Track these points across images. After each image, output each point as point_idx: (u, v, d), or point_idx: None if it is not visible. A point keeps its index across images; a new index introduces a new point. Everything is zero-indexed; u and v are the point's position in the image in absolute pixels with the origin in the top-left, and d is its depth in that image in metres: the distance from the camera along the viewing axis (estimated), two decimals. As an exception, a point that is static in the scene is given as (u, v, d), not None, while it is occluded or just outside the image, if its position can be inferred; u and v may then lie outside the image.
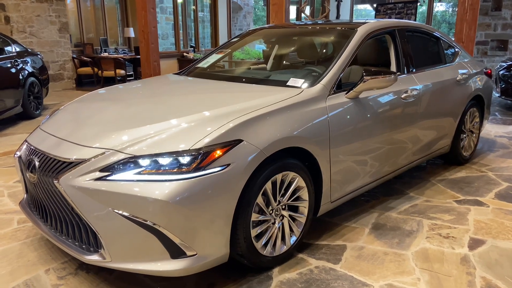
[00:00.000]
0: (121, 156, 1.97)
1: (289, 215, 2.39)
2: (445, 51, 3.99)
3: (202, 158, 1.94)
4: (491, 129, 5.65)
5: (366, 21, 3.22)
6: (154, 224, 1.86)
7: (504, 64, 7.16)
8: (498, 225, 2.89)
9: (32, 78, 6.44)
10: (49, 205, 2.19)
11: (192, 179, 1.89)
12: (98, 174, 1.94)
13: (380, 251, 2.54)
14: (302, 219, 2.45)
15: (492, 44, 9.84)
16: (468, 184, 3.66)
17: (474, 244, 2.63)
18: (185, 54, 11.53)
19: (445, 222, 2.92)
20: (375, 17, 9.88)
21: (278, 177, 2.24)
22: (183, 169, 1.91)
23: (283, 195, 2.32)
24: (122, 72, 9.50)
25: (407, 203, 3.24)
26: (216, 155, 1.96)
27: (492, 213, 3.07)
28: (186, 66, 3.70)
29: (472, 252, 2.53)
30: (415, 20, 8.60)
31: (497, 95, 7.05)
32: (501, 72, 6.99)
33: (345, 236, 2.72)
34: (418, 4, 9.03)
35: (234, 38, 3.85)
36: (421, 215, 3.03)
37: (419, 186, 3.60)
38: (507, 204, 3.24)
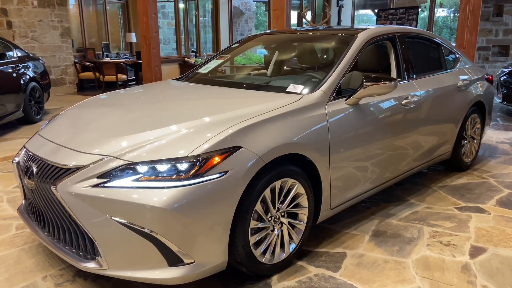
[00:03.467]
0: (119, 163, 1.96)
1: (288, 222, 2.37)
2: (446, 57, 3.98)
3: (200, 164, 1.92)
4: (492, 135, 5.62)
5: (367, 27, 3.21)
6: (151, 231, 1.85)
7: (505, 70, 7.14)
8: (500, 232, 2.87)
9: (33, 83, 6.45)
10: (47, 212, 2.17)
11: (190, 186, 1.88)
12: (96, 181, 1.93)
13: (380, 259, 2.51)
14: (302, 226, 2.43)
15: (494, 49, 9.83)
16: (469, 190, 3.64)
17: (475, 252, 2.61)
18: (186, 59, 11.56)
19: (446, 230, 2.90)
20: (376, 23, 9.88)
21: (277, 183, 2.23)
22: (182, 176, 1.89)
23: (282, 202, 2.30)
24: (124, 77, 9.52)
25: (408, 210, 3.22)
26: (215, 162, 1.95)
27: (494, 221, 3.05)
28: (188, 71, 3.70)
29: (473, 260, 2.51)
30: (416, 25, 8.60)
31: (499, 101, 7.04)
32: (502, 78, 6.97)
33: (345, 244, 2.69)
34: (420, 9, 9.03)
35: (235, 44, 3.85)
36: (422, 222, 3.00)
37: (420, 193, 3.58)
38: (508, 211, 3.21)
